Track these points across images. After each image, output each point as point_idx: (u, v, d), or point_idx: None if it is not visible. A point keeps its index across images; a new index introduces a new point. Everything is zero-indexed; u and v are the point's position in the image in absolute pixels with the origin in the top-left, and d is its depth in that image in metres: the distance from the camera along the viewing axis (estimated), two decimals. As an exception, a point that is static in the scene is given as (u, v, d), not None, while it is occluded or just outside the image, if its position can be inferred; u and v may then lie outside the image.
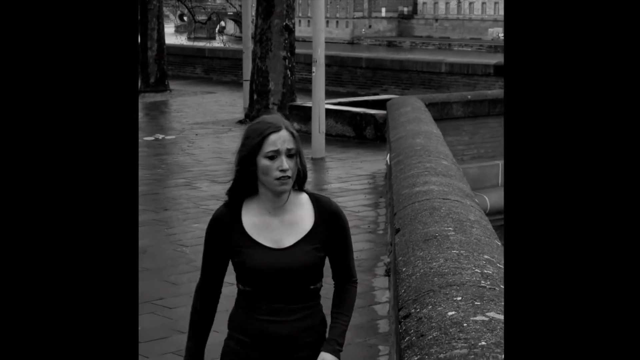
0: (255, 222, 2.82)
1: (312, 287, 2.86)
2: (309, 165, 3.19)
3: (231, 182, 2.84)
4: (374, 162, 12.02)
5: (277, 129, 2.73)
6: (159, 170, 11.84)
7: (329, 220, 2.87)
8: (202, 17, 53.32)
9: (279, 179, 2.72)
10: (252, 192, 2.84)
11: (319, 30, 12.46)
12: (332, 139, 13.75)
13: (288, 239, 2.82)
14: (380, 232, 8.20)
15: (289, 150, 2.73)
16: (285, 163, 2.71)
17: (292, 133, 2.76)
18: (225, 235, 2.83)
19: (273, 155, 2.71)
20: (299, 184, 2.87)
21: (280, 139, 2.72)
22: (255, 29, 16.26)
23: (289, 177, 2.73)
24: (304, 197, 2.89)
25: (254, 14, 17.32)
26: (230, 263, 2.92)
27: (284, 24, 15.79)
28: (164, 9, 22.35)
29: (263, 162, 2.72)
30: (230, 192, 2.86)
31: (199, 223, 8.36)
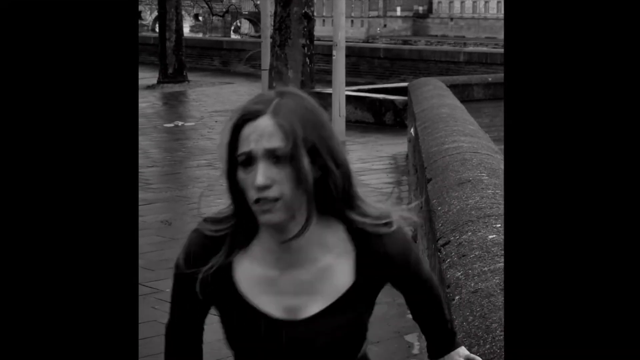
0: (252, 273, 1.71)
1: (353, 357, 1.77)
2: None
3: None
4: (395, 145, 12.03)
5: (255, 115, 1.59)
6: (179, 153, 11.93)
7: (386, 272, 1.72)
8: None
9: (256, 202, 1.59)
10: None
11: (339, 13, 12.46)
12: (352, 125, 13.75)
13: (310, 305, 1.70)
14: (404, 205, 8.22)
15: (269, 151, 1.57)
16: (262, 174, 1.57)
17: (282, 122, 1.58)
18: (203, 293, 1.73)
19: (245, 161, 1.59)
20: (329, 203, 1.67)
21: (256, 132, 1.58)
22: (274, 16, 16.28)
23: (272, 200, 1.58)
24: (339, 229, 1.70)
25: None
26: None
27: (303, 11, 15.80)
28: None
29: (239, 173, 1.61)
30: (217, 220, 1.75)
31: (223, 199, 8.43)
